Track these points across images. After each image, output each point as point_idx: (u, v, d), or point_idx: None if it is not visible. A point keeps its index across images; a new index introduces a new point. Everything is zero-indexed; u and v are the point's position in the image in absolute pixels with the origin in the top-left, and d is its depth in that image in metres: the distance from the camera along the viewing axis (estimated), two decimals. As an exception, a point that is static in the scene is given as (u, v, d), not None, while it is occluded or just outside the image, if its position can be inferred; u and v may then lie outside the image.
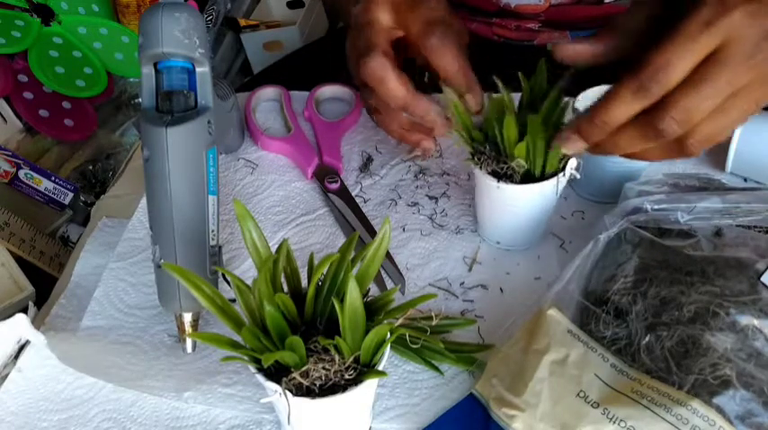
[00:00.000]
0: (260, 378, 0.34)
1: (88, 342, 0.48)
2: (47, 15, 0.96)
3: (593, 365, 0.40)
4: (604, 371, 0.39)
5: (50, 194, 0.92)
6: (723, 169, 0.54)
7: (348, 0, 0.56)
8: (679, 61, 0.35)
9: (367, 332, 0.34)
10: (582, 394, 0.39)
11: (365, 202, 0.57)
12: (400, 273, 0.51)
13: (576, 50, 0.43)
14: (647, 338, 0.39)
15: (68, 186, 0.94)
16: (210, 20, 1.15)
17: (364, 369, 0.35)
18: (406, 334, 0.36)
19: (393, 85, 0.50)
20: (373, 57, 0.49)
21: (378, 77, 0.50)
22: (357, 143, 0.62)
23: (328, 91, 0.66)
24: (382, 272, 0.51)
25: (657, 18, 0.42)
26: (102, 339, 0.48)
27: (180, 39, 0.43)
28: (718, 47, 0.35)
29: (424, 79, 0.53)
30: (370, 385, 0.35)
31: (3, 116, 0.92)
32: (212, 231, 0.45)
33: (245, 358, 0.34)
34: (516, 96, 0.46)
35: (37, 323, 0.49)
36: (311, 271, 0.36)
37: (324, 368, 0.34)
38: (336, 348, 0.34)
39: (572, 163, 0.45)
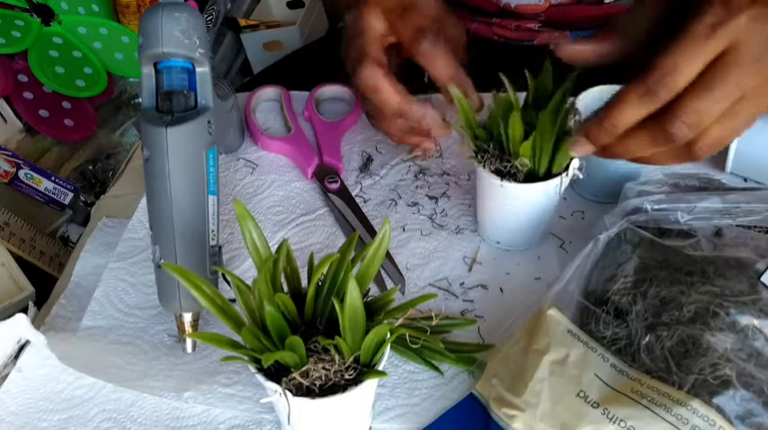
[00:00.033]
0: (260, 378, 0.34)
1: (88, 342, 0.48)
2: (47, 15, 0.96)
3: (593, 365, 0.40)
4: (604, 371, 0.39)
5: (50, 194, 0.92)
6: (723, 169, 0.54)
7: (343, 6, 0.57)
8: (686, 65, 0.35)
9: (367, 332, 0.34)
10: (582, 394, 0.39)
11: (365, 202, 0.57)
12: (400, 273, 0.51)
13: (576, 51, 0.43)
14: (647, 338, 0.39)
15: (68, 186, 0.94)
16: (210, 20, 1.15)
17: (364, 369, 0.35)
18: (406, 334, 0.36)
19: (386, 93, 0.51)
20: (366, 66, 0.51)
21: (371, 86, 0.51)
22: (357, 143, 0.62)
23: (328, 91, 0.66)
24: (382, 272, 0.51)
25: (658, 19, 0.42)
26: (102, 339, 0.48)
27: (180, 39, 0.43)
28: (725, 50, 0.35)
29: (425, 79, 0.53)
30: (370, 385, 0.35)
31: (3, 116, 0.92)
32: (212, 231, 0.45)
33: (245, 358, 0.34)
34: (519, 96, 0.46)
35: (37, 323, 0.49)
36: (311, 271, 0.36)
37: (324, 368, 0.34)
38: (336, 348, 0.34)
39: (575, 163, 0.45)
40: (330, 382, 0.34)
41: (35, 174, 0.90)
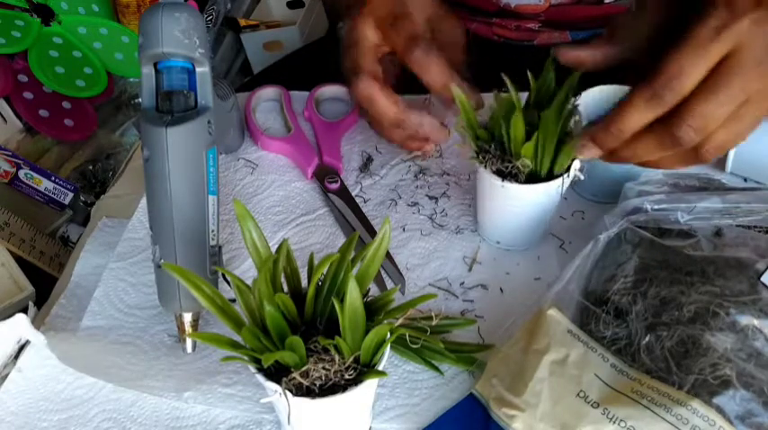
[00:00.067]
0: (260, 378, 0.34)
1: (88, 342, 0.48)
2: (47, 15, 0.96)
3: (593, 365, 0.40)
4: (604, 371, 0.39)
5: (50, 194, 0.92)
6: (723, 169, 0.54)
7: (343, 7, 0.57)
8: (692, 69, 0.36)
9: (367, 332, 0.34)
10: (582, 394, 0.39)
11: (365, 202, 0.57)
12: (400, 273, 0.51)
13: (578, 55, 0.43)
14: (647, 338, 0.39)
15: (68, 186, 0.94)
16: (210, 20, 1.15)
17: (364, 369, 0.35)
18: (406, 334, 0.36)
19: (382, 104, 0.52)
20: (361, 79, 0.51)
21: (367, 98, 0.52)
22: (357, 143, 0.62)
23: (328, 91, 0.66)
24: (382, 272, 0.51)
25: (659, 25, 0.42)
26: (102, 339, 0.48)
27: (180, 39, 0.43)
28: (729, 53, 0.35)
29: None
30: (370, 385, 0.35)
31: (3, 116, 0.92)
32: (212, 231, 0.45)
33: (245, 358, 0.34)
34: (520, 96, 0.46)
35: (37, 323, 0.49)
36: (311, 271, 0.36)
37: (324, 368, 0.34)
38: (336, 348, 0.34)
39: (576, 164, 0.45)
40: (330, 382, 0.34)
41: (35, 174, 0.90)
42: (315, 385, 0.34)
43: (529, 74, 0.45)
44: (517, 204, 0.47)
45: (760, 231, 0.43)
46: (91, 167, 1.03)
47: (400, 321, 0.35)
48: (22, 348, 0.47)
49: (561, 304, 0.43)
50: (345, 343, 0.33)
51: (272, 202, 0.58)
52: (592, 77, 0.47)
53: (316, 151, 0.60)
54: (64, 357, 0.46)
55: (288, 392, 0.33)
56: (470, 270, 0.51)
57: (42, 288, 0.57)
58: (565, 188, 0.46)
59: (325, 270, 0.35)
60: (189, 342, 0.44)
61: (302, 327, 0.36)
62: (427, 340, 0.42)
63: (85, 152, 1.03)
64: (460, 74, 0.53)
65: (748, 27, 0.35)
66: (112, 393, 0.45)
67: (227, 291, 0.39)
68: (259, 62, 1.23)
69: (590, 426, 0.37)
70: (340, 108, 0.66)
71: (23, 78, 0.93)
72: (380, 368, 0.35)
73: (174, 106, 0.44)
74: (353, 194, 0.57)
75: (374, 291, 0.50)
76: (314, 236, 0.55)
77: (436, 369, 0.44)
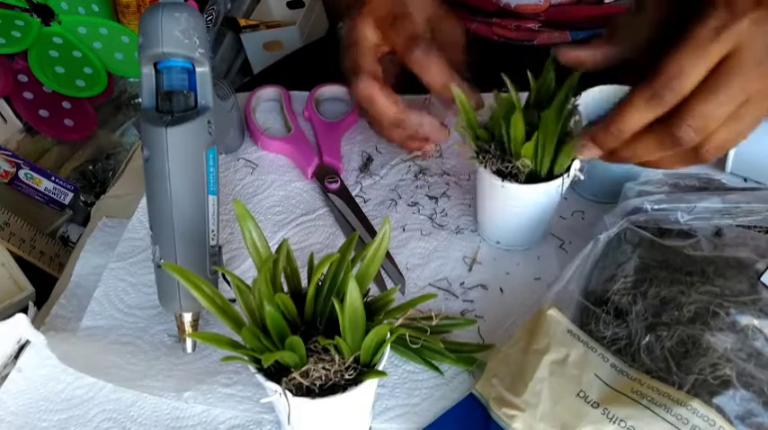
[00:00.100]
0: (260, 378, 0.34)
1: (88, 342, 0.48)
2: (47, 15, 0.96)
3: (593, 365, 0.40)
4: (604, 371, 0.39)
5: (50, 194, 0.92)
6: (723, 169, 0.54)
7: (343, 7, 0.57)
8: (692, 68, 0.36)
9: (367, 332, 0.34)
10: (582, 394, 0.39)
11: (365, 202, 0.57)
12: (400, 273, 0.51)
13: (578, 55, 0.43)
14: (647, 338, 0.39)
15: (68, 186, 0.94)
16: (210, 20, 1.15)
17: (364, 369, 0.35)
18: (406, 334, 0.36)
19: (382, 105, 0.52)
20: (361, 79, 0.52)
21: (367, 99, 0.52)
22: (357, 143, 0.62)
23: (328, 91, 0.66)
24: (382, 272, 0.51)
25: (659, 24, 0.42)
26: (102, 339, 0.48)
27: (180, 39, 0.43)
28: (729, 53, 0.36)
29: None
30: (370, 385, 0.35)
31: (3, 116, 0.92)
32: (212, 231, 0.45)
33: (245, 358, 0.34)
34: (520, 96, 0.46)
35: (37, 323, 0.49)
36: (311, 271, 0.36)
37: (324, 368, 0.34)
38: (336, 348, 0.34)
39: (576, 164, 0.45)
40: (330, 382, 0.34)
41: (35, 174, 0.90)
42: (315, 385, 0.34)
43: (529, 74, 0.45)
44: (517, 204, 0.47)
45: (760, 231, 0.43)
46: (91, 167, 1.03)
47: (400, 321, 0.35)
48: (22, 348, 0.47)
49: (561, 304, 0.43)
50: (345, 343, 0.33)
51: (272, 202, 0.58)
52: (592, 77, 0.47)
53: (316, 151, 0.60)
54: (64, 357, 0.46)
55: (288, 392, 0.33)
56: (470, 270, 0.51)
57: (42, 288, 0.57)
58: (565, 188, 0.46)
59: (325, 270, 0.35)
60: (189, 342, 0.44)
61: (302, 327, 0.36)
62: (427, 340, 0.42)
63: (85, 152, 1.03)
64: (461, 74, 0.53)
65: (748, 27, 0.35)
66: (112, 393, 0.45)
67: (227, 291, 0.39)
68: (259, 62, 1.23)
69: (590, 426, 0.37)
70: (340, 108, 0.66)
71: (23, 78, 0.93)
72: (380, 368, 0.35)
73: (174, 106, 0.44)
74: (353, 194, 0.57)
75: (374, 291, 0.50)
76: (314, 236, 0.55)
77: (436, 369, 0.44)
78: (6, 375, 0.46)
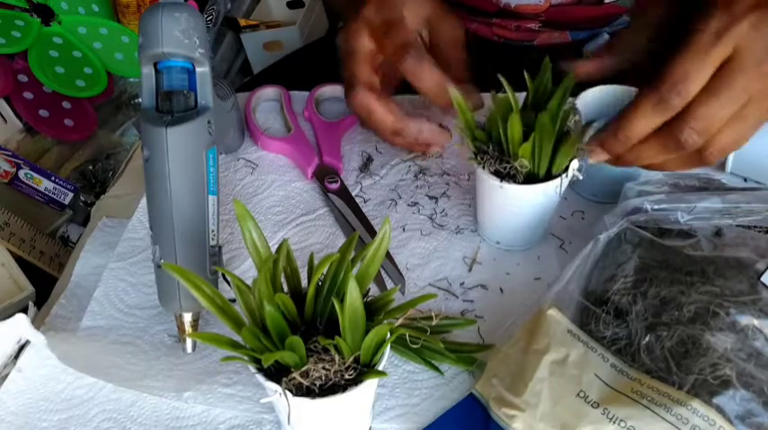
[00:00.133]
0: (260, 378, 0.34)
1: (88, 342, 0.48)
2: (47, 15, 0.96)
3: (593, 365, 0.40)
4: (604, 371, 0.39)
5: (50, 194, 0.92)
6: (723, 169, 0.54)
7: (343, 7, 0.57)
8: (696, 72, 0.36)
9: (367, 332, 0.34)
10: (582, 394, 0.39)
11: (365, 202, 0.57)
12: (400, 273, 0.51)
13: (587, 70, 0.46)
14: (647, 338, 0.39)
15: (68, 186, 0.94)
16: (210, 20, 1.15)
17: (364, 369, 0.35)
18: (406, 334, 0.36)
19: (380, 115, 0.52)
20: (357, 91, 0.52)
21: (365, 110, 0.52)
22: (357, 143, 0.62)
23: (328, 91, 0.66)
24: (382, 272, 0.51)
25: (660, 26, 0.43)
26: (102, 339, 0.48)
27: (180, 39, 0.43)
28: (730, 56, 0.36)
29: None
30: (370, 385, 0.35)
31: (3, 116, 0.92)
32: (212, 231, 0.45)
33: (245, 358, 0.34)
34: (518, 97, 0.46)
35: (37, 323, 0.49)
36: (311, 271, 0.36)
37: (324, 368, 0.34)
38: (336, 348, 0.34)
39: (574, 164, 0.45)
40: (330, 382, 0.34)
41: (35, 174, 0.90)
42: (315, 385, 0.34)
43: (525, 74, 0.45)
44: (516, 205, 0.47)
45: (760, 231, 0.43)
46: (91, 167, 1.03)
47: (400, 321, 0.35)
48: (22, 348, 0.47)
49: (561, 304, 0.43)
50: (345, 343, 0.33)
51: (272, 202, 0.58)
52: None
53: (316, 151, 0.60)
54: (64, 357, 0.46)
55: (288, 392, 0.33)
56: (470, 270, 0.51)
57: (42, 288, 0.57)
58: (563, 188, 0.46)
59: (325, 270, 0.35)
60: (189, 342, 0.44)
61: (302, 327, 0.36)
62: (427, 340, 0.42)
63: (85, 152, 1.03)
64: (462, 73, 0.53)
65: (747, 29, 0.36)
66: (112, 393, 0.45)
67: (227, 291, 0.39)
68: (259, 62, 1.23)
69: (590, 426, 0.37)
70: (340, 108, 0.66)
71: (23, 78, 0.93)
72: (380, 368, 0.35)
73: (174, 106, 0.44)
74: (353, 194, 0.57)
75: (374, 291, 0.50)
76: (314, 236, 0.55)
77: (436, 369, 0.44)
78: (6, 375, 0.46)
